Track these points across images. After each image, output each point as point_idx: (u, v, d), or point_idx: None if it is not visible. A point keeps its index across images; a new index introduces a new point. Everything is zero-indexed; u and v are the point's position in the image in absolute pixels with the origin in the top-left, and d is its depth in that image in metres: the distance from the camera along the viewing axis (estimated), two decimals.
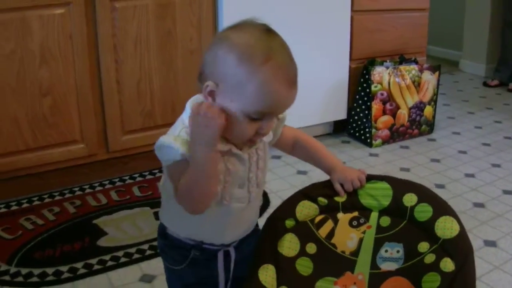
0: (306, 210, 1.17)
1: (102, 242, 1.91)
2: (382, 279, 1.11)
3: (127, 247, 1.89)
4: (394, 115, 2.93)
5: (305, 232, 1.15)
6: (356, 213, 1.17)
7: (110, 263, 1.79)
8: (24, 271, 1.73)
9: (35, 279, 1.70)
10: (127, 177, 2.42)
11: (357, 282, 1.13)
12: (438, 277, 1.04)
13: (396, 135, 2.98)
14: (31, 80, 2.00)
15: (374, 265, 1.13)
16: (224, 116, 0.90)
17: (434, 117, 3.12)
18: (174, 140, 0.92)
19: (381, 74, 2.84)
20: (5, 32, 1.91)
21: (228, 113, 0.91)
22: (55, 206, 2.14)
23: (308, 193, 1.19)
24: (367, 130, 2.90)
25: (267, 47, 0.89)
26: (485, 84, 4.20)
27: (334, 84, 2.86)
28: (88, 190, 2.28)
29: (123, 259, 1.82)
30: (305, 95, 2.68)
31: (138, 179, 2.41)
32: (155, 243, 1.90)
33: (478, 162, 2.73)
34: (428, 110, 3.06)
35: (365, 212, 1.17)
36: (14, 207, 2.12)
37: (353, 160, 2.75)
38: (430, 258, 1.07)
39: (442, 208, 1.11)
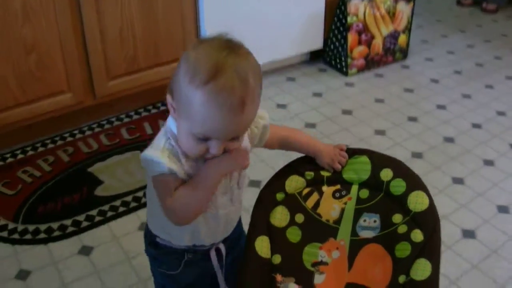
0: (294, 183, 1.30)
1: (99, 191, 2.04)
2: (360, 245, 1.27)
3: (123, 195, 2.02)
4: (369, 45, 3.02)
5: (293, 203, 1.29)
6: (338, 186, 1.31)
7: (109, 213, 1.94)
8: (31, 227, 1.87)
9: (42, 235, 1.84)
10: (114, 119, 2.51)
11: (339, 247, 1.29)
12: (409, 246, 1.20)
13: (371, 63, 3.08)
14: (15, 39, 2.02)
15: (354, 232, 1.28)
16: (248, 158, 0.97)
17: (408, 44, 3.21)
18: (161, 154, 0.95)
19: (357, 6, 2.89)
20: None
21: (180, 124, 0.94)
22: (49, 155, 2.23)
23: (296, 167, 1.31)
24: (342, 59, 2.99)
25: (212, 67, 0.86)
26: (458, 2, 4.24)
27: (311, 15, 2.90)
28: (78, 136, 2.37)
29: (121, 209, 1.96)
30: (282, 27, 2.76)
31: (125, 120, 2.50)
32: None
33: (450, 93, 2.86)
34: (402, 39, 3.15)
35: (347, 185, 1.30)
36: (9, 159, 2.21)
37: (329, 91, 2.86)
38: (402, 229, 1.23)
39: (414, 183, 1.25)
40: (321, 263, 1.27)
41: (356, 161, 1.31)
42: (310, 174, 1.30)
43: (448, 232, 1.90)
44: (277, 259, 1.24)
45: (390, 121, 2.57)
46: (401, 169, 1.29)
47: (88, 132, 2.40)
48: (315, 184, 1.31)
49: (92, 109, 2.40)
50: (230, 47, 0.91)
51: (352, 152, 1.32)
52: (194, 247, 1.15)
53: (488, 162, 2.28)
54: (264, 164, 2.16)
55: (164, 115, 2.54)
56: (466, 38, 3.60)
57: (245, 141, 1.08)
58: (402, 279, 1.19)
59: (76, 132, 2.40)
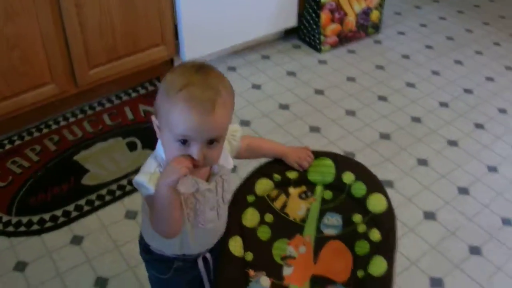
0: (263, 186, 1.43)
1: (86, 180, 2.17)
2: (324, 241, 1.41)
3: (108, 184, 2.15)
4: (341, 22, 3.11)
5: (263, 205, 1.42)
6: (304, 188, 1.44)
7: (97, 202, 2.07)
8: (24, 219, 2.00)
9: (35, 227, 1.97)
10: (96, 104, 2.60)
11: (305, 243, 1.43)
12: (367, 244, 1.35)
13: (344, 40, 3.17)
14: None
15: (318, 230, 1.42)
16: (188, 168, 1.02)
17: (380, 20, 3.30)
18: (148, 180, 1.06)
19: None
20: None
21: (165, 136, 1.05)
22: (36, 144, 2.34)
23: (264, 171, 1.44)
24: (316, 37, 3.09)
25: (184, 81, 0.99)
26: None
27: None
28: (62, 123, 2.47)
29: (107, 197, 2.09)
30: (257, 6, 2.83)
31: (107, 105, 2.60)
32: (132, 177, 2.16)
33: (420, 70, 2.98)
34: (374, 14, 3.23)
35: (312, 186, 1.44)
36: None
37: (303, 69, 2.96)
38: (362, 228, 1.37)
39: (374, 186, 1.39)
40: (289, 257, 1.41)
41: (321, 163, 1.44)
42: (277, 177, 1.44)
43: (410, 214, 2.06)
44: (249, 256, 1.38)
45: (360, 101, 2.69)
46: (362, 173, 1.42)
47: (71, 119, 2.49)
48: (282, 186, 1.44)
49: (75, 95, 2.48)
50: (202, 67, 1.04)
51: (317, 155, 1.46)
52: (184, 256, 1.28)
53: (452, 143, 2.43)
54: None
55: (144, 99, 2.64)
56: (439, 9, 3.68)
57: (228, 159, 1.21)
58: (360, 273, 1.34)
59: (60, 119, 2.49)
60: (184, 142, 1.02)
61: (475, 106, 2.69)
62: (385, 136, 2.45)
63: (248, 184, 1.42)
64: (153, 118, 1.10)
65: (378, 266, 1.32)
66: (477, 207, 2.11)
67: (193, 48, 2.68)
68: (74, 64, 2.35)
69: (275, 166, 1.45)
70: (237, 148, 1.28)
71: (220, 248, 1.34)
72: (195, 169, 1.05)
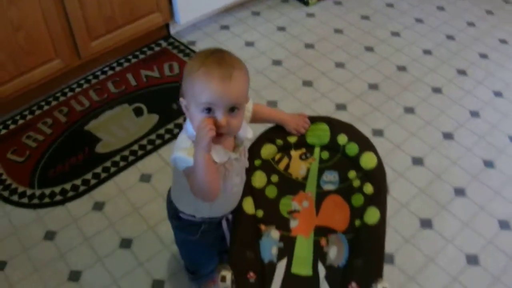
0: (268, 151, 1.61)
1: (99, 148, 2.33)
2: (324, 196, 1.60)
3: (121, 150, 2.32)
4: None
5: (268, 167, 1.61)
6: (303, 150, 1.62)
7: (112, 169, 2.24)
8: (47, 191, 2.17)
9: (58, 197, 2.15)
10: (99, 72, 2.74)
11: (307, 198, 1.62)
12: (362, 197, 1.54)
13: None
14: (3, 21, 2.19)
15: (319, 186, 1.61)
16: (214, 129, 1.18)
17: None
18: (187, 154, 1.22)
19: None
20: None
21: (193, 111, 1.21)
22: (47, 117, 2.49)
23: (268, 137, 1.62)
24: None
25: (202, 61, 1.18)
26: None
27: None
28: (69, 94, 2.61)
29: (121, 163, 2.26)
30: None
31: (109, 72, 2.74)
32: (142, 142, 2.34)
33: (404, 18, 3.10)
34: None
35: (310, 148, 1.62)
36: (12, 126, 2.46)
37: (292, 24, 3.08)
38: (356, 183, 1.56)
39: (365, 146, 1.57)
40: (295, 211, 1.61)
41: (317, 127, 1.62)
42: (280, 142, 1.61)
43: (400, 160, 2.25)
44: (260, 213, 1.57)
45: (348, 52, 2.84)
46: (354, 134, 1.60)
47: (77, 89, 2.63)
48: (285, 150, 1.62)
49: (78, 67, 2.62)
50: (216, 50, 1.21)
51: (313, 120, 1.63)
52: (210, 219, 1.48)
53: (437, 90, 2.60)
54: None
55: (144, 64, 2.77)
56: None
57: (247, 129, 1.37)
58: (357, 222, 1.54)
59: (66, 90, 2.63)
60: (209, 110, 1.19)
61: (457, 52, 2.84)
62: (373, 87, 2.61)
63: (254, 150, 1.60)
64: (180, 100, 1.27)
65: (372, 215, 1.52)
66: (461, 151, 2.31)
67: (186, 11, 2.80)
68: (76, 38, 2.47)
69: (277, 132, 1.62)
70: (248, 118, 1.45)
71: (236, 209, 1.54)
72: (223, 139, 1.24)
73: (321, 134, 1.60)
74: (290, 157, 1.62)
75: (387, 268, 1.46)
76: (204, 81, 1.17)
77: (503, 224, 2.03)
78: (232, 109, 1.21)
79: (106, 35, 2.58)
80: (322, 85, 2.62)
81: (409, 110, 2.49)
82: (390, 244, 1.95)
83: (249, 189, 1.56)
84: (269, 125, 1.59)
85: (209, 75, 1.16)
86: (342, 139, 1.59)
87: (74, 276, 1.90)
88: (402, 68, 2.73)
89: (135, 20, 2.65)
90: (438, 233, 2.01)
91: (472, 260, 1.92)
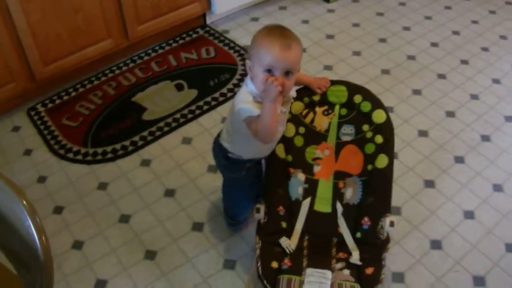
0: (296, 107, 1.93)
1: (145, 116, 2.68)
2: (343, 145, 1.92)
3: (165, 118, 2.66)
4: None
5: (297, 120, 1.93)
6: (326, 107, 1.94)
7: (157, 133, 2.58)
8: (99, 150, 2.51)
9: (110, 155, 2.49)
10: (143, 54, 3.10)
11: (329, 148, 1.94)
12: (373, 146, 1.86)
13: None
14: (66, 2, 2.54)
15: (338, 137, 1.92)
16: (280, 85, 1.50)
17: None
18: (252, 106, 1.54)
19: None
20: None
21: (256, 71, 1.55)
22: (97, 90, 2.84)
23: (296, 96, 1.95)
24: None
25: (268, 31, 1.53)
26: None
27: None
28: (117, 72, 2.97)
29: (165, 128, 2.60)
30: None
31: (153, 54, 3.10)
32: (184, 112, 2.68)
33: (414, 15, 3.44)
34: None
35: (331, 105, 1.93)
36: (65, 97, 2.81)
37: (315, 18, 3.43)
38: (369, 134, 1.89)
39: (376, 104, 1.89)
40: (318, 158, 1.93)
41: (337, 89, 1.93)
42: (306, 100, 1.93)
43: (407, 132, 2.57)
44: (289, 158, 1.90)
45: (364, 43, 3.18)
46: (367, 95, 1.91)
47: (124, 68, 2.99)
48: (310, 106, 1.94)
49: (125, 48, 2.98)
50: (279, 26, 1.56)
51: (335, 83, 1.95)
52: (254, 159, 1.81)
53: (441, 76, 2.92)
54: None
55: (183, 48, 3.12)
56: None
57: (293, 90, 1.72)
58: (370, 167, 1.86)
59: (114, 68, 2.99)
60: (269, 71, 1.53)
61: (461, 45, 3.16)
62: (385, 72, 2.94)
63: None
64: (246, 61, 1.61)
65: (382, 161, 1.84)
66: (461, 126, 2.62)
67: (222, 2, 3.16)
68: (126, 21, 2.83)
69: (304, 92, 1.94)
70: None
71: (270, 154, 1.87)
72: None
73: (340, 94, 1.93)
74: (315, 112, 1.94)
75: (394, 218, 1.77)
76: (268, 47, 1.48)
77: (496, 187, 2.34)
78: (287, 73, 1.54)
79: (151, 20, 2.94)
80: (341, 69, 2.95)
81: (417, 92, 2.81)
82: (397, 199, 2.26)
83: (281, 138, 1.89)
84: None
85: (273, 43, 1.48)
86: (357, 98, 1.91)
87: (124, 218, 2.24)
88: (411, 57, 3.05)
89: (178, 8, 3.01)
90: (439, 191, 2.32)
91: (469, 215, 2.23)
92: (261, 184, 1.91)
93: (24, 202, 1.05)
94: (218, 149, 1.84)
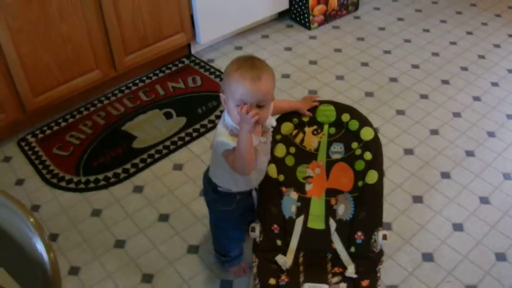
0: (286, 127, 1.99)
1: (136, 144, 2.71)
2: (333, 163, 1.98)
3: (155, 145, 2.69)
4: (326, 3, 3.66)
5: (287, 141, 1.98)
6: (315, 127, 2.00)
7: (148, 160, 2.62)
8: (91, 178, 2.54)
9: (102, 182, 2.51)
10: (131, 84, 3.14)
11: (319, 166, 1.99)
12: (363, 162, 1.92)
13: (329, 17, 3.73)
14: (55, 34, 2.59)
15: (328, 156, 1.98)
16: (257, 116, 1.52)
17: None
18: (228, 139, 1.58)
19: None
20: (28, 5, 2.46)
21: (230, 105, 1.54)
22: (87, 120, 2.87)
23: (285, 116, 2.00)
24: (305, 16, 3.64)
25: (239, 64, 1.52)
26: None
27: None
28: (105, 102, 3.01)
29: (156, 155, 2.64)
30: None
31: (140, 84, 3.14)
32: (173, 139, 2.72)
33: (394, 39, 3.55)
34: None
35: (320, 125, 1.99)
36: (55, 128, 2.83)
37: (297, 45, 3.51)
38: (358, 152, 1.94)
39: (364, 122, 1.95)
40: (309, 177, 1.98)
41: (325, 109, 1.99)
42: (296, 120, 1.99)
43: (393, 151, 2.64)
44: (281, 177, 1.95)
45: (347, 67, 3.26)
46: (355, 113, 1.98)
47: (112, 98, 3.03)
48: (300, 127, 2.00)
49: (113, 79, 3.03)
50: (250, 57, 1.57)
51: (323, 102, 2.01)
52: (243, 191, 1.82)
53: (424, 96, 3.01)
54: None
55: (170, 77, 3.18)
56: None
57: (271, 119, 1.76)
58: (360, 183, 1.92)
59: (103, 99, 3.03)
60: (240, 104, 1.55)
61: (441, 66, 3.27)
62: (369, 94, 3.02)
63: (275, 127, 1.97)
64: (221, 95, 1.62)
65: (372, 176, 1.90)
66: (445, 143, 2.70)
67: (206, 33, 3.24)
68: (113, 52, 2.88)
69: (293, 112, 2.00)
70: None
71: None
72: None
73: (328, 113, 1.99)
74: (304, 132, 2.00)
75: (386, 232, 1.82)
76: (239, 81, 1.50)
77: (483, 200, 2.40)
78: (260, 105, 1.56)
79: (138, 51, 3.00)
80: (325, 93, 3.03)
81: (401, 112, 2.89)
82: (388, 215, 2.31)
83: (272, 158, 1.93)
84: None
85: (243, 76, 1.50)
86: (345, 117, 1.97)
87: (120, 244, 2.25)
88: (393, 79, 3.14)
89: (163, 39, 3.08)
90: (428, 206, 2.37)
91: (458, 227, 2.28)
92: (253, 213, 1.92)
93: (31, 219, 1.07)
94: (208, 184, 1.86)
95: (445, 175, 2.52)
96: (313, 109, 1.98)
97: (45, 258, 1.04)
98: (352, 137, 1.95)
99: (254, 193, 1.88)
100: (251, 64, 1.54)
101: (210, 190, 1.85)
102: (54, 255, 1.05)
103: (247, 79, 1.50)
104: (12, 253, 1.13)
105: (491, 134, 2.74)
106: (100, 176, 2.54)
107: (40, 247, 1.05)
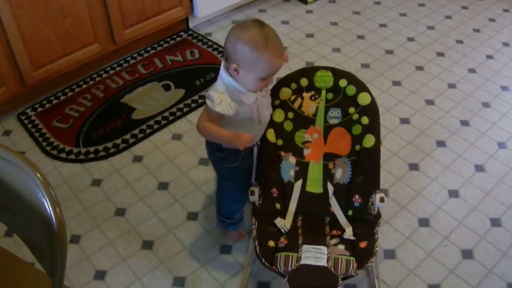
0: (284, 93, 2.00)
1: (135, 115, 2.74)
2: (331, 128, 2.00)
3: (154, 116, 2.72)
4: None
5: (286, 106, 2.00)
6: (313, 92, 2.02)
7: (148, 130, 2.64)
8: (91, 149, 2.56)
9: (102, 153, 2.54)
10: (129, 58, 3.16)
11: (317, 131, 2.02)
12: (360, 127, 1.94)
13: None
14: (55, 7, 2.60)
15: (325, 121, 2.01)
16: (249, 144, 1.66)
17: None
18: (218, 98, 1.61)
19: None
20: None
21: (248, 76, 1.60)
22: (86, 93, 2.89)
23: (284, 82, 2.02)
24: None
25: (264, 38, 1.54)
26: None
27: None
28: (104, 75, 3.02)
29: (155, 126, 2.66)
30: None
31: (139, 58, 3.16)
32: (172, 110, 2.74)
33: (389, 13, 3.56)
34: None
35: (318, 90, 2.02)
36: (55, 101, 2.85)
37: (294, 19, 3.53)
38: (355, 116, 1.97)
39: (361, 88, 1.97)
40: (307, 142, 2.00)
41: (323, 74, 2.01)
42: (294, 85, 2.01)
43: (390, 120, 2.67)
44: (280, 142, 1.97)
45: (343, 40, 3.28)
46: (352, 79, 2.00)
47: (111, 72, 3.05)
48: (298, 92, 2.02)
49: (112, 52, 3.04)
50: (261, 24, 1.59)
51: (321, 68, 2.03)
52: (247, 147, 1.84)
53: (419, 68, 3.04)
54: None
55: (168, 51, 3.19)
56: None
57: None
58: (357, 147, 1.94)
59: (102, 72, 3.04)
60: (266, 78, 1.61)
61: (437, 39, 3.29)
62: (365, 66, 3.05)
63: (274, 92, 2.00)
64: (234, 65, 1.61)
65: (369, 141, 1.92)
66: (441, 113, 2.73)
67: (204, 7, 3.25)
68: (112, 25, 2.89)
69: (291, 78, 2.02)
70: None
71: (260, 137, 1.94)
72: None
73: (326, 79, 2.01)
74: (302, 98, 2.01)
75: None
76: (271, 59, 1.56)
77: (478, 167, 2.44)
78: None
79: (137, 25, 3.01)
80: (322, 64, 3.03)
81: (397, 83, 2.92)
82: (384, 182, 2.34)
83: (271, 123, 1.96)
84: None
85: (274, 53, 1.56)
86: (343, 82, 1.99)
87: (120, 212, 2.28)
88: (389, 52, 3.16)
89: (161, 13, 3.09)
90: (424, 173, 2.41)
91: (453, 193, 2.32)
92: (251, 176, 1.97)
93: (38, 174, 1.07)
94: (212, 144, 1.88)
95: (441, 143, 2.55)
96: (311, 75, 2.00)
97: (52, 213, 1.05)
98: (349, 102, 1.97)
99: (255, 149, 1.93)
100: (274, 40, 1.59)
101: (215, 149, 1.87)
102: (60, 210, 1.06)
103: (277, 56, 1.58)
104: (17, 208, 1.14)
105: (486, 105, 2.77)
106: (100, 147, 2.57)
107: (46, 202, 1.06)
